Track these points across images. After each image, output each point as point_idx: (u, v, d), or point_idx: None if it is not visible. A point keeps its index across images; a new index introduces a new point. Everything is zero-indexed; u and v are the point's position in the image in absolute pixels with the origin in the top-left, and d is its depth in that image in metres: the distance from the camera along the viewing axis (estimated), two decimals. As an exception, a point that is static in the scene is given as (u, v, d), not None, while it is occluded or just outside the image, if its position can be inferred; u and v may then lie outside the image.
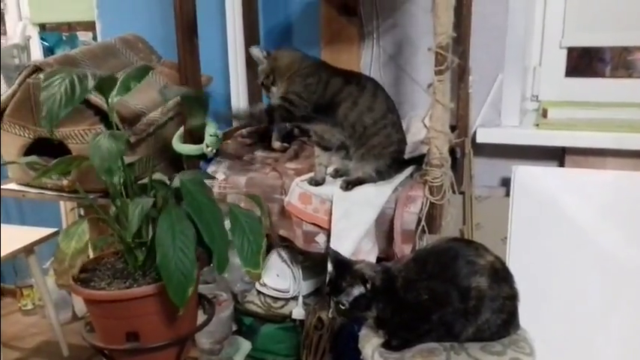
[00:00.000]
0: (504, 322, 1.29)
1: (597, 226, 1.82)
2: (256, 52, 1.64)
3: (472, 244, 1.34)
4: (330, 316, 1.75)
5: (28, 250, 2.37)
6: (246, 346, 1.95)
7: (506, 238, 1.90)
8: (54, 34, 2.56)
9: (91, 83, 1.23)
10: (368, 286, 1.27)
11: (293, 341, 1.92)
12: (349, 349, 1.56)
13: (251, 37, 2.08)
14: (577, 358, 1.82)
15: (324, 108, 1.61)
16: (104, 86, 1.33)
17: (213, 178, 1.74)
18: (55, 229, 2.45)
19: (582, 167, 1.89)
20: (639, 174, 1.81)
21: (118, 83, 1.40)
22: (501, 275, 1.29)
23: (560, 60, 2.02)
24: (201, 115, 1.51)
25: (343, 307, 1.28)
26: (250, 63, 2.10)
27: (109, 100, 1.37)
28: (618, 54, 2.08)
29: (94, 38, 2.48)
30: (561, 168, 1.94)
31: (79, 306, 2.67)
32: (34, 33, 2.63)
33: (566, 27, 1.98)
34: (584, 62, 2.11)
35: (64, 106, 1.19)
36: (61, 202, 2.64)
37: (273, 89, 1.64)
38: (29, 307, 2.88)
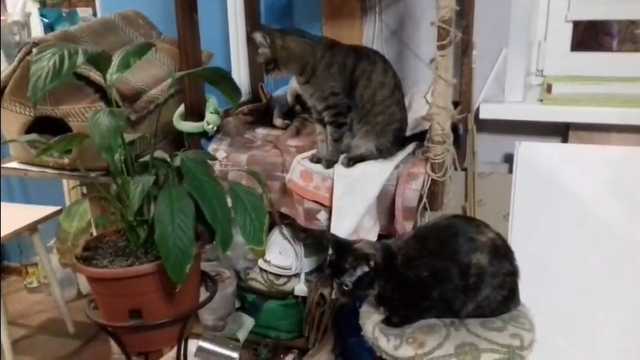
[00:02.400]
0: (504, 298, 1.29)
1: (601, 202, 1.81)
2: (259, 38, 1.57)
3: (473, 221, 1.34)
4: (333, 297, 1.75)
5: (32, 228, 2.38)
6: (249, 322, 1.97)
7: (508, 214, 1.89)
8: (54, 10, 2.54)
9: (80, 59, 1.21)
10: (371, 263, 1.27)
11: (295, 317, 1.94)
12: (351, 325, 1.57)
13: (252, 12, 2.06)
14: (578, 334, 1.82)
15: (346, 90, 1.61)
16: (99, 63, 1.32)
17: (214, 158, 1.73)
18: (59, 207, 2.46)
19: (586, 143, 1.87)
20: (643, 150, 1.80)
21: (118, 60, 1.38)
22: (502, 252, 1.29)
23: (566, 34, 1.99)
24: (231, 89, 1.48)
25: (347, 288, 1.28)
26: (251, 39, 2.08)
27: (108, 77, 1.35)
28: (625, 27, 2.05)
29: (94, 14, 2.46)
30: (565, 144, 1.92)
31: (84, 283, 2.69)
32: (34, 9, 2.60)
33: (572, 0, 1.95)
34: (590, 36, 2.08)
35: (49, 80, 1.17)
36: (64, 180, 2.64)
37: (274, 74, 1.60)
38: (34, 284, 2.91)
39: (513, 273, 1.31)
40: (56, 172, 1.87)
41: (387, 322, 1.33)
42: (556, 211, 1.85)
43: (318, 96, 1.61)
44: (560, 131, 1.94)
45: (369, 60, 1.61)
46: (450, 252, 1.26)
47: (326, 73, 1.58)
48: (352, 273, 1.27)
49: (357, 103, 1.61)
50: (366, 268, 1.27)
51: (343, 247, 1.32)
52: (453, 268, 1.25)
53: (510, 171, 1.93)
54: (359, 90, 1.60)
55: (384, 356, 1.29)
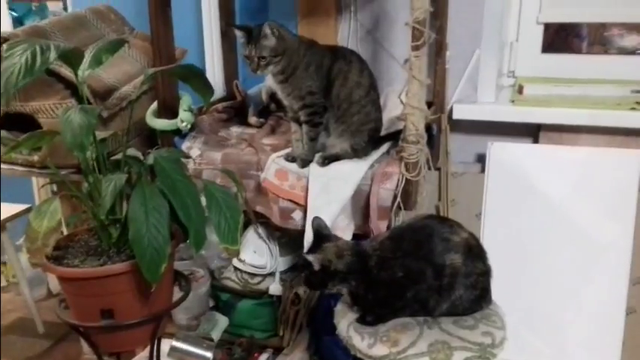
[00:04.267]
0: (477, 297, 1.31)
1: (571, 202, 1.85)
2: (267, 29, 1.53)
3: (447, 222, 1.36)
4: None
5: (0, 226, 2.33)
6: (223, 321, 1.96)
7: (480, 213, 1.92)
8: (23, 4, 2.48)
9: (52, 55, 1.19)
10: (315, 268, 1.30)
11: (270, 316, 1.93)
12: (325, 324, 1.57)
13: (226, 8, 2.04)
14: (547, 330, 1.86)
15: (322, 90, 1.61)
16: (71, 59, 1.29)
17: (188, 156, 1.72)
18: (27, 206, 2.41)
19: (557, 144, 1.91)
20: (612, 150, 1.84)
21: (90, 56, 1.36)
22: (475, 252, 1.30)
23: (537, 36, 2.03)
24: (204, 86, 1.46)
25: (305, 279, 1.34)
26: (226, 35, 2.07)
27: (79, 73, 1.33)
28: (595, 30, 2.09)
29: (65, 8, 2.42)
30: (536, 144, 1.96)
31: (54, 282, 2.64)
32: (2, 2, 2.53)
33: (543, 2, 1.98)
34: (560, 38, 2.11)
35: (22, 77, 1.15)
36: (33, 178, 2.59)
37: (270, 67, 1.56)
38: (3, 283, 2.84)
39: (486, 272, 1.32)
40: (25, 169, 1.83)
41: (362, 320, 1.33)
42: (527, 210, 1.88)
43: (295, 95, 1.61)
44: (532, 132, 1.97)
45: (345, 60, 1.62)
46: (424, 252, 1.27)
47: (304, 73, 1.58)
48: (309, 267, 1.31)
49: (334, 102, 1.62)
50: (314, 269, 1.31)
51: (319, 238, 1.36)
52: (428, 268, 1.26)
53: (483, 171, 1.95)
54: (335, 89, 1.61)
55: (359, 355, 1.30)
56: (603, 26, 2.07)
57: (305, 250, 1.40)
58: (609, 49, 2.07)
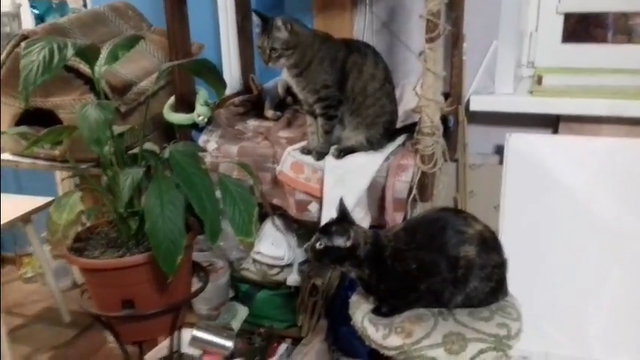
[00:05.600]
0: (492, 289, 1.31)
1: (591, 193, 1.82)
2: (279, 23, 1.53)
3: (461, 214, 1.35)
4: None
5: (25, 219, 2.38)
6: (243, 311, 1.98)
7: (499, 205, 1.90)
8: (44, 1, 2.52)
9: (70, 52, 1.22)
10: (348, 243, 1.28)
11: (289, 307, 1.95)
12: (343, 314, 1.58)
13: (242, 3, 2.05)
14: (568, 323, 1.84)
15: (337, 83, 1.61)
16: (88, 55, 1.32)
17: (204, 150, 1.74)
18: (51, 198, 2.45)
19: (576, 134, 1.88)
20: (633, 141, 1.80)
21: (107, 52, 1.39)
22: (490, 244, 1.30)
23: (557, 26, 2.00)
24: (217, 80, 1.48)
25: (317, 248, 1.29)
26: (242, 30, 2.08)
27: (96, 69, 1.36)
28: (617, 19, 2.05)
29: (84, 5, 2.45)
30: (555, 135, 1.93)
31: (79, 273, 2.69)
32: (24, 0, 2.58)
33: (563, -8, 1.95)
34: (581, 28, 2.08)
35: (40, 74, 1.18)
36: (57, 172, 2.64)
37: (282, 60, 1.56)
38: (29, 274, 2.91)
39: (501, 264, 1.32)
40: (47, 163, 1.87)
41: (376, 311, 1.34)
42: (546, 202, 1.86)
43: (310, 89, 1.61)
44: (551, 123, 1.95)
45: (359, 52, 1.62)
46: (438, 244, 1.27)
47: (319, 67, 1.59)
48: (332, 238, 1.29)
49: (348, 95, 1.62)
50: (342, 243, 1.28)
51: (345, 216, 1.34)
52: (442, 260, 1.26)
53: (501, 162, 1.93)
54: (350, 82, 1.61)
55: (373, 346, 1.31)
56: (626, 15, 2.03)
57: (325, 222, 1.38)
58: (633, 37, 2.03)
